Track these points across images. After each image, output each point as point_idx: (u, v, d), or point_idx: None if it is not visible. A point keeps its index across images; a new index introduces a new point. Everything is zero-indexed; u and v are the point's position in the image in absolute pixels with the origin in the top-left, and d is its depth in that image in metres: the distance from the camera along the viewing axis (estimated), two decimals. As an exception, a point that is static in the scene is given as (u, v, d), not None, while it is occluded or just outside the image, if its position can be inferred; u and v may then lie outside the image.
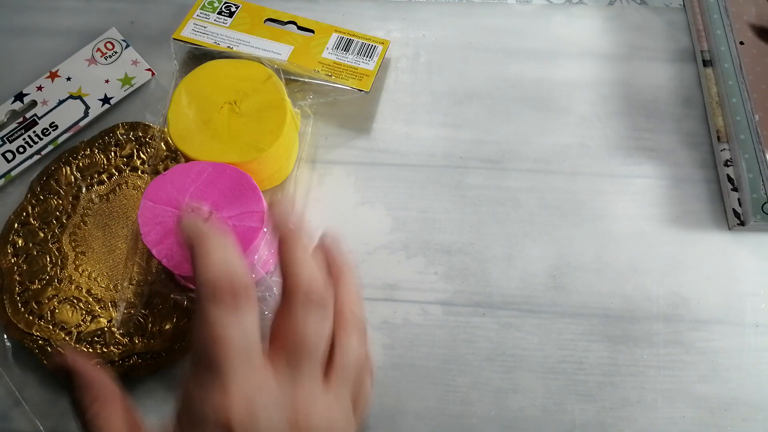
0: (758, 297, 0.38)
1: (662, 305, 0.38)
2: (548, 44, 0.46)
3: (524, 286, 0.38)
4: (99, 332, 0.37)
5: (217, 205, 0.34)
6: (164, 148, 0.40)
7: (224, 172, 0.34)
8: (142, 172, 0.41)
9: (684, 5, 0.47)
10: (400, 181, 0.41)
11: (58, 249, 0.39)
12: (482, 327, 0.37)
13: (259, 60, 0.40)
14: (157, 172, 0.40)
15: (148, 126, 0.42)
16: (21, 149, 0.42)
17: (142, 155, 0.41)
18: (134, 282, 0.37)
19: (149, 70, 0.45)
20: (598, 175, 0.41)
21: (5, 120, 0.43)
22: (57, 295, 0.37)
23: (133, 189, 0.40)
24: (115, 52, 0.45)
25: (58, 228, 0.39)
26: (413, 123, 0.43)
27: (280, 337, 0.25)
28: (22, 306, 0.37)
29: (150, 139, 0.42)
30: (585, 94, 0.44)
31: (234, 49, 0.42)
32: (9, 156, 0.42)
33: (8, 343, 0.37)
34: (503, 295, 0.38)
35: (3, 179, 0.41)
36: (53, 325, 0.37)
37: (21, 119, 0.42)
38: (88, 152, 0.41)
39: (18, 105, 0.43)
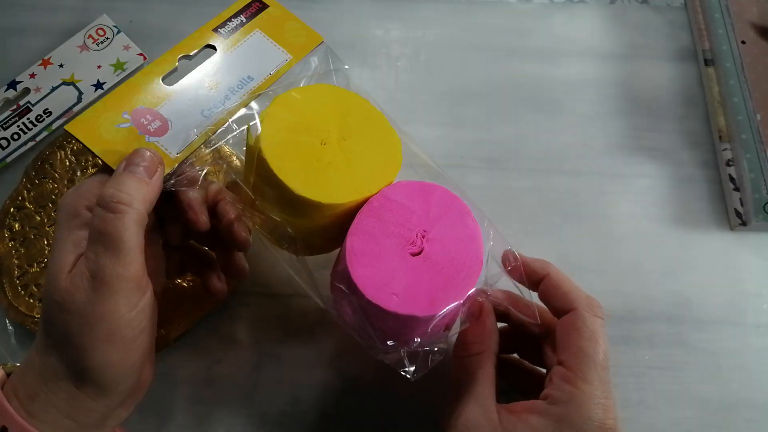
0: (760, 297, 0.38)
1: (664, 305, 0.37)
2: (549, 43, 0.46)
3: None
4: None
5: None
6: None
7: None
8: None
9: (685, 4, 0.47)
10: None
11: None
12: (483, 327, 0.37)
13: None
14: None
15: None
16: (15, 136, 0.42)
17: None
18: None
19: (141, 54, 0.45)
20: (599, 174, 0.41)
21: (-1, 108, 0.43)
22: None
23: None
24: (107, 38, 0.45)
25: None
26: (413, 122, 0.43)
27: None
28: (22, 289, 0.37)
29: None
30: (586, 93, 0.44)
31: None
32: (3, 143, 0.41)
33: (10, 327, 0.37)
34: (504, 296, 0.38)
35: (-2, 166, 0.41)
36: None
37: (15, 107, 0.42)
38: None
39: (11, 93, 0.43)
